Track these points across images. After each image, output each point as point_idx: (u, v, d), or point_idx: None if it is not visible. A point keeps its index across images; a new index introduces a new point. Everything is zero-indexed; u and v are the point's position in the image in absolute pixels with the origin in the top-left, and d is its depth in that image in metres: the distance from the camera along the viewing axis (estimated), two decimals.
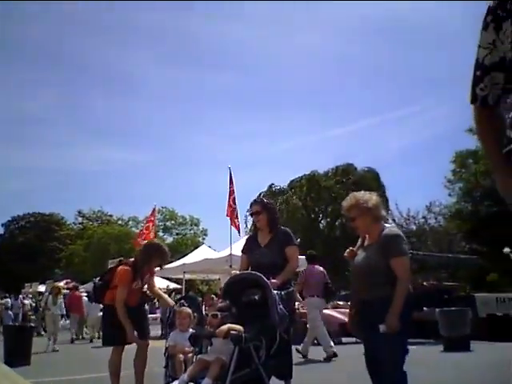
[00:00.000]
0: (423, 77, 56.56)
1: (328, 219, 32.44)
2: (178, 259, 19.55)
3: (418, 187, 47.46)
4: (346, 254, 3.63)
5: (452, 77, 52.33)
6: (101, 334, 14.41)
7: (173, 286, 23.46)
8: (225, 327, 3.35)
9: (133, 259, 4.88)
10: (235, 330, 3.34)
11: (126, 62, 62.86)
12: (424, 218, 21.03)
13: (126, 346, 4.74)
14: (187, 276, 18.19)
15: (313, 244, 30.00)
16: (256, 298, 3.67)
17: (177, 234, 51.81)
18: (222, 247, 17.38)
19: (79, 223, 54.88)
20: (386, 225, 3.51)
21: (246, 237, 5.82)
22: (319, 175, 31.31)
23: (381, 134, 56.67)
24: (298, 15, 59.32)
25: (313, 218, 31.66)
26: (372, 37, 57.31)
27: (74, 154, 62.20)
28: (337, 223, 32.17)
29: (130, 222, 53.75)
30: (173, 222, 52.36)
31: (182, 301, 4.49)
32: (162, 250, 4.85)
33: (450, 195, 28.44)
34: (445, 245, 19.86)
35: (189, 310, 4.21)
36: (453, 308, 9.97)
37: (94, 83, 66.17)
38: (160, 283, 21.55)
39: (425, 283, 14.29)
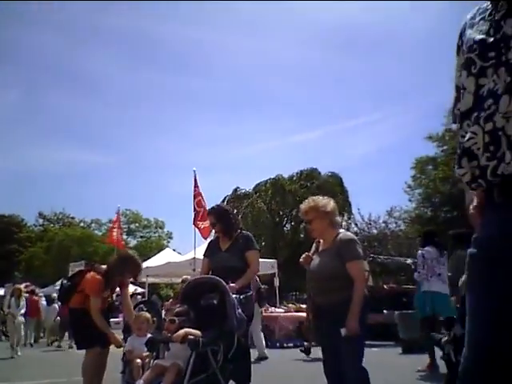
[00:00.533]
0: (386, 85, 57.86)
1: (292, 223, 32.64)
2: (142, 262, 19.35)
3: (380, 192, 48.48)
4: (301, 260, 3.69)
5: (413, 86, 53.84)
6: (58, 337, 14.25)
7: (140, 290, 23.09)
8: (182, 332, 3.36)
9: (105, 267, 4.79)
10: (192, 335, 3.34)
11: (88, 63, 61.76)
12: (385, 222, 21.49)
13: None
14: (150, 280, 17.98)
15: (277, 248, 30.24)
16: (214, 302, 3.68)
17: (141, 236, 51.24)
18: (187, 250, 17.28)
19: (40, 225, 53.48)
20: (341, 230, 3.60)
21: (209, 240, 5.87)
22: (284, 179, 31.52)
23: (344, 139, 57.68)
24: (264, 20, 59.82)
25: (277, 221, 31.83)
26: (335, 44, 58.32)
27: (34, 154, 60.81)
28: (301, 227, 32.45)
29: (93, 225, 52.85)
30: (137, 224, 51.73)
31: (141, 305, 4.47)
32: (135, 263, 4.80)
33: (410, 200, 29.14)
34: (405, 249, 20.30)
35: (147, 315, 4.19)
36: (410, 311, 10.20)
37: (56, 84, 64.80)
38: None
39: (385, 286, 14.60)
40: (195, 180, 13.57)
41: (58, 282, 28.41)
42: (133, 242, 48.25)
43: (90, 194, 63.48)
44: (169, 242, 51.73)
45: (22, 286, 23.67)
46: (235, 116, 67.13)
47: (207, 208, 13.43)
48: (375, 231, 20.82)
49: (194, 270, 13.72)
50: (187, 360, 3.28)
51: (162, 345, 3.49)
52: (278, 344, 12.05)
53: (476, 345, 1.40)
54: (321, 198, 3.65)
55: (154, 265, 16.48)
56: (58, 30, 62.44)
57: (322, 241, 3.65)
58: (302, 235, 31.74)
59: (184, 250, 21.06)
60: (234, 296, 3.71)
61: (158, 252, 22.06)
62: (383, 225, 21.37)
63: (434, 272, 6.62)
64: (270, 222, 30.41)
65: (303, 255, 3.72)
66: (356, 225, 24.14)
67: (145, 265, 17.27)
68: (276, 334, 12.30)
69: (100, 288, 4.57)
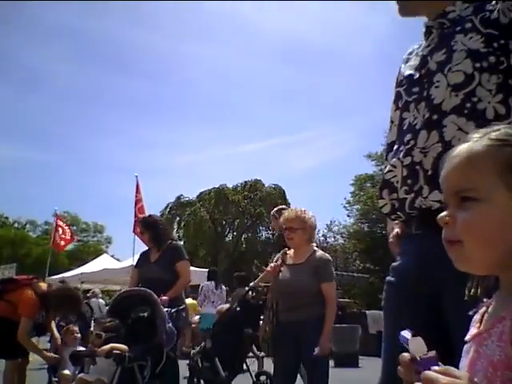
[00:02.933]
0: (332, 101, 59.23)
1: (234, 233, 32.75)
2: (78, 267, 18.65)
3: (320, 206, 49.34)
4: (268, 269, 3.64)
5: (357, 104, 55.54)
6: None
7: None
8: (107, 347, 3.29)
9: (44, 289, 4.49)
10: (118, 350, 3.29)
11: (30, 57, 59.03)
12: (324, 236, 21.93)
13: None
14: (85, 286, 17.43)
15: (218, 258, 30.18)
16: (145, 315, 3.64)
17: (78, 240, 49.60)
18: (126, 257, 16.87)
19: None
20: (314, 247, 3.61)
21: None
22: (228, 189, 31.58)
23: (288, 152, 58.39)
24: (215, 28, 59.98)
25: (219, 231, 31.80)
26: (283, 57, 59.04)
27: None
28: (243, 238, 32.55)
29: (28, 226, 50.66)
30: (75, 227, 50.06)
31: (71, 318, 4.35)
32: (77, 301, 4.53)
33: (348, 216, 29.96)
34: (341, 263, 20.80)
35: (74, 328, 4.09)
36: (344, 325, 10.44)
37: None
38: None
39: None
40: (137, 186, 13.33)
41: None
42: (70, 246, 46.66)
43: (26, 193, 60.80)
44: (107, 247, 50.39)
45: None
46: (181, 122, 66.31)
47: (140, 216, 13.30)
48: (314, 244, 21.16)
49: (131, 277, 13.46)
50: (112, 375, 3.22)
51: (87, 359, 3.41)
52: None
53: (386, 365, 1.49)
54: (306, 210, 3.66)
55: (89, 271, 16.00)
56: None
57: (290, 253, 3.64)
58: (243, 246, 31.88)
59: (123, 257, 20.57)
60: (165, 309, 3.68)
61: (95, 257, 21.40)
62: (322, 238, 21.80)
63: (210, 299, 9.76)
64: (212, 231, 30.34)
65: (271, 264, 3.66)
66: None
67: (80, 270, 16.87)
68: None
69: (34, 311, 4.36)
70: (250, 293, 4.25)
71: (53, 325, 4.70)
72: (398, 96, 1.53)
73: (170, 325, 3.64)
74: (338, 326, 10.54)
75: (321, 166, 57.48)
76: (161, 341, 3.53)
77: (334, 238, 22.23)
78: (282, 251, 3.76)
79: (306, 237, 3.56)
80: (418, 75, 1.46)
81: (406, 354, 0.73)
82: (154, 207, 35.35)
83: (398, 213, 1.45)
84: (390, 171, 1.46)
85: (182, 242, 29.97)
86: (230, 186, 32.00)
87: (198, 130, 61.78)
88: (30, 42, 57.34)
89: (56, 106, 61.45)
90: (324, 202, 53.39)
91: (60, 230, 15.79)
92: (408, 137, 1.41)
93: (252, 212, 31.02)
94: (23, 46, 55.84)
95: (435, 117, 1.35)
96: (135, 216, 13.05)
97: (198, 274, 16.01)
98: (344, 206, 30.15)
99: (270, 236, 31.38)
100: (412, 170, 1.38)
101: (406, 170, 1.40)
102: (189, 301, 13.62)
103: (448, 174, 0.83)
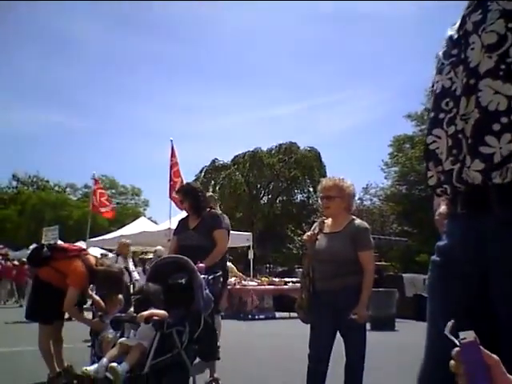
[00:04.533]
0: (367, 62, 57.60)
1: (269, 196, 32.78)
2: (117, 229, 19.08)
3: (357, 169, 48.67)
4: (305, 238, 3.57)
5: (394, 64, 53.70)
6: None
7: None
8: (146, 313, 3.31)
9: (93, 263, 4.56)
10: (157, 316, 3.31)
11: (65, 24, 59.78)
12: (360, 199, 21.68)
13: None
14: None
15: (253, 220, 30.34)
16: (182, 281, 3.64)
17: (117, 203, 50.75)
18: (163, 219, 17.15)
19: (13, 187, 52.43)
20: (352, 216, 3.54)
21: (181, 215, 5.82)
22: (262, 152, 31.44)
23: (323, 115, 57.47)
24: None
25: (254, 194, 31.87)
26: (314, 18, 57.34)
27: (9, 116, 59.08)
28: (278, 200, 32.57)
29: (68, 189, 52.09)
30: (113, 191, 51.18)
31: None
32: (119, 284, 4.47)
33: (385, 178, 29.46)
34: (378, 226, 20.58)
35: (119, 297, 4.15)
36: (380, 289, 10.39)
37: (33, 44, 62.51)
38: (99, 253, 21.08)
39: None
40: (172, 150, 13.38)
41: (32, 246, 28.15)
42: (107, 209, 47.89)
43: (66, 158, 62.56)
44: (145, 209, 51.52)
45: None
46: (215, 86, 66.21)
47: (183, 180, 13.38)
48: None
49: (168, 240, 13.69)
50: (152, 340, 3.25)
51: (128, 324, 3.45)
52: (250, 316, 12.21)
53: (430, 349, 1.40)
54: (344, 178, 3.57)
55: (128, 233, 16.35)
56: None
57: (327, 222, 3.56)
58: (278, 209, 31.94)
59: (160, 219, 20.92)
60: (202, 276, 3.67)
61: (134, 220, 21.87)
62: (358, 201, 21.58)
63: None
64: (246, 194, 30.45)
65: (307, 233, 3.60)
66: None
67: (119, 233, 17.27)
68: (248, 306, 12.44)
69: (84, 283, 4.45)
70: None
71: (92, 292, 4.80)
72: (438, 60, 1.44)
73: (207, 291, 3.63)
74: (374, 290, 10.47)
75: (358, 128, 56.60)
76: (198, 307, 3.54)
77: (371, 200, 21.92)
78: (319, 220, 3.68)
79: (344, 205, 3.47)
80: (456, 36, 1.37)
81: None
82: (189, 171, 35.68)
83: (445, 186, 1.37)
84: (433, 142, 1.38)
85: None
86: (264, 149, 31.86)
87: (232, 93, 61.56)
88: (64, 9, 57.57)
89: (91, 72, 62.04)
90: (360, 164, 52.74)
91: (98, 194, 16.14)
92: (450, 104, 1.33)
93: (287, 175, 30.90)
94: (59, 13, 56.17)
95: (472, 81, 1.27)
96: (170, 180, 13.16)
97: (233, 236, 16.24)
98: (381, 168, 29.71)
99: (305, 199, 31.33)
100: (456, 139, 1.31)
101: (451, 140, 1.32)
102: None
103: None
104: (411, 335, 8.28)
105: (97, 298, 4.65)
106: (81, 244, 20.01)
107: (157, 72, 65.03)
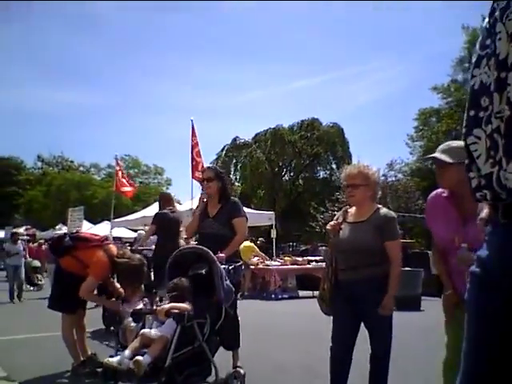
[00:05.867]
0: (391, 34, 56.12)
1: (291, 174, 32.57)
2: (140, 209, 19.14)
3: (381, 144, 48.00)
4: (329, 228, 3.43)
5: (419, 34, 52.18)
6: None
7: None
8: (166, 306, 3.26)
9: (114, 253, 4.48)
10: (178, 309, 3.25)
11: (88, 1, 59.64)
12: (384, 175, 21.34)
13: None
14: (148, 228, 18.05)
15: (276, 198, 30.26)
16: (203, 272, 3.58)
17: (140, 182, 51.22)
18: (186, 197, 17.19)
19: (39, 168, 53.27)
20: (378, 205, 3.40)
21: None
22: (284, 129, 31.11)
23: (346, 87, 56.50)
24: None
25: (276, 172, 31.70)
26: None
27: (33, 94, 59.80)
28: (300, 178, 32.35)
29: (92, 169, 52.74)
30: (136, 170, 51.63)
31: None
32: (141, 275, 4.38)
33: (411, 153, 28.88)
34: (403, 202, 20.28)
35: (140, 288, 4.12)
36: (407, 268, 10.19)
37: (57, 22, 62.82)
38: (124, 233, 21.29)
39: None
40: (193, 129, 13.29)
41: (58, 226, 28.66)
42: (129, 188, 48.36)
43: (89, 137, 63.22)
44: (168, 188, 51.90)
45: (21, 230, 23.77)
46: (235, 60, 65.60)
47: (203, 161, 13.29)
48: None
49: (190, 226, 13.69)
50: (174, 332, 3.21)
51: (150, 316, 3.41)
52: (273, 296, 12.22)
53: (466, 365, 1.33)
54: (370, 165, 3.43)
55: (151, 214, 16.40)
56: None
57: (351, 210, 3.43)
58: (300, 186, 31.73)
59: (183, 197, 20.91)
60: (222, 266, 3.60)
61: (156, 200, 21.89)
62: (383, 178, 21.25)
63: None
64: (268, 172, 30.30)
65: (331, 223, 3.46)
66: None
67: (142, 214, 17.35)
68: (271, 285, 12.45)
69: (104, 274, 4.44)
70: None
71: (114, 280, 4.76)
72: (475, 50, 1.31)
73: (228, 282, 3.56)
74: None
75: (381, 101, 55.44)
76: (219, 298, 3.48)
77: (395, 177, 21.57)
78: (343, 208, 3.54)
79: (370, 193, 3.33)
80: (487, 25, 1.23)
81: None
82: (210, 150, 35.68)
83: (484, 191, 1.26)
84: (474, 143, 1.27)
85: (239, 184, 30.13)
86: (285, 125, 31.52)
87: (251, 67, 60.74)
88: None
89: (113, 49, 62.01)
90: (385, 139, 51.94)
91: (120, 174, 16.26)
92: (487, 101, 1.21)
93: (309, 152, 30.58)
94: None
95: (503, 75, 1.15)
96: (193, 160, 13.10)
97: (256, 215, 16.19)
98: (406, 143, 29.13)
99: (328, 176, 31.05)
100: (493, 139, 1.20)
101: (489, 140, 1.21)
102: (247, 243, 13.89)
103: None
104: (437, 315, 8.19)
105: (117, 285, 4.62)
106: (106, 224, 20.31)
107: (177, 48, 64.70)
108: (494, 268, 1.24)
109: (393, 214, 3.41)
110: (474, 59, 1.29)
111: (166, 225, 6.73)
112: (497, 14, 1.19)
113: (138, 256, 4.42)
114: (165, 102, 66.57)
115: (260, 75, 62.88)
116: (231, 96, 65.08)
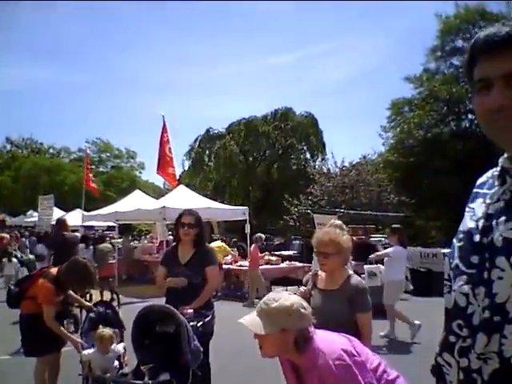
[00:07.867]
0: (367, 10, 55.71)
1: (266, 164, 32.46)
2: (115, 194, 18.68)
3: (355, 135, 48.05)
4: (298, 294, 3.38)
5: (392, 12, 52.03)
6: None
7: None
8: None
9: (55, 273, 4.52)
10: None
11: None
12: (357, 170, 21.44)
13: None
14: (121, 222, 17.99)
15: (250, 190, 30.16)
16: (171, 330, 3.50)
17: (112, 166, 50.35)
18: (159, 181, 17.13)
19: (7, 151, 51.74)
20: (349, 270, 3.34)
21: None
22: (257, 120, 30.87)
23: (324, 63, 56.09)
24: None
25: (250, 163, 31.54)
26: None
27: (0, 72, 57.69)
28: (273, 169, 32.27)
29: (62, 153, 51.57)
30: (108, 154, 50.71)
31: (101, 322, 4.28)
32: (89, 277, 4.50)
33: (383, 145, 29.06)
34: (375, 196, 20.45)
35: (110, 333, 4.00)
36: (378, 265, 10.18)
37: None
38: (96, 222, 20.95)
39: (354, 238, 14.68)
40: (164, 125, 13.16)
41: (29, 213, 28.04)
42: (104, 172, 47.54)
43: (58, 118, 61.63)
44: (141, 172, 51.28)
45: None
46: (209, 34, 64.36)
47: (172, 156, 13.15)
48: (346, 179, 20.83)
49: (164, 219, 13.63)
50: None
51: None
52: (247, 295, 12.14)
53: None
54: (339, 231, 3.34)
55: (122, 210, 16.20)
56: None
57: (321, 275, 3.38)
58: (274, 177, 31.66)
59: (158, 180, 20.51)
60: (190, 324, 3.52)
61: (130, 186, 21.58)
62: (356, 171, 21.40)
63: None
64: (242, 163, 30.13)
65: (300, 289, 3.41)
66: (328, 170, 24.07)
67: (114, 209, 17.08)
68: (245, 286, 12.44)
69: (51, 296, 4.40)
70: None
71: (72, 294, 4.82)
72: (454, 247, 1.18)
73: (196, 342, 3.48)
74: (367, 266, 10.35)
75: (356, 79, 54.91)
76: (186, 362, 3.40)
77: (368, 171, 21.68)
78: (312, 272, 3.49)
79: (340, 261, 3.27)
80: (478, 238, 1.10)
81: None
82: (184, 140, 35.31)
83: None
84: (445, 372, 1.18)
85: (212, 176, 29.84)
86: (259, 116, 31.27)
87: (221, 42, 59.68)
88: None
89: (79, 22, 60.17)
90: (360, 117, 51.61)
91: (88, 171, 16.34)
92: (465, 331, 1.10)
93: (283, 143, 30.48)
94: None
95: (497, 319, 1.04)
96: (163, 157, 12.92)
97: (230, 210, 16.11)
98: (379, 134, 29.24)
99: (302, 167, 31.04)
100: (470, 378, 1.09)
101: (463, 374, 1.11)
102: (218, 243, 13.79)
103: None
104: (406, 311, 8.30)
105: (76, 296, 4.83)
106: (78, 212, 19.90)
107: (146, 21, 63.25)
108: None
109: (364, 283, 3.38)
110: (451, 254, 1.17)
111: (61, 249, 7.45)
112: (496, 238, 1.05)
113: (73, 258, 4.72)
114: (135, 77, 64.98)
115: (230, 50, 62.06)
116: (202, 71, 64.08)
